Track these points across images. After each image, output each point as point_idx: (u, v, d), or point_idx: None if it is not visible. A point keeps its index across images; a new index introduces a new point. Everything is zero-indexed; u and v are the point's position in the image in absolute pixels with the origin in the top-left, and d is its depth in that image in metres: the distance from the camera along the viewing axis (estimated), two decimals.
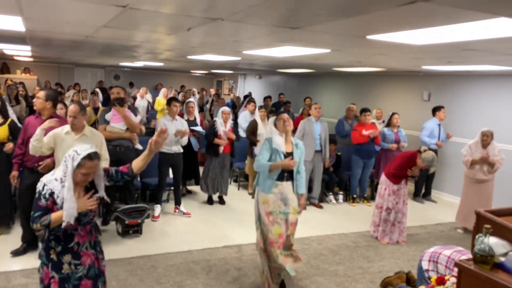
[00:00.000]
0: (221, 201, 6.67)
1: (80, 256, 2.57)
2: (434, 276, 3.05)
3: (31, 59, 13.69)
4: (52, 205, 2.44)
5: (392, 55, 5.32)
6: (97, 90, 10.48)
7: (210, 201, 6.62)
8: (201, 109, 11.55)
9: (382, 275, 4.37)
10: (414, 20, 2.98)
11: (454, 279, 2.70)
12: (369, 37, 3.82)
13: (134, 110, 5.54)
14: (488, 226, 2.13)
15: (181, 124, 5.88)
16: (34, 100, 4.42)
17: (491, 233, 2.13)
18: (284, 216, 3.77)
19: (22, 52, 10.25)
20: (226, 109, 6.54)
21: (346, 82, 10.95)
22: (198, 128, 6.61)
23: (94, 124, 6.98)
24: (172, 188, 6.12)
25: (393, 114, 7.14)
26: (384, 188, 5.35)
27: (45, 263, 2.55)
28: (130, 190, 5.63)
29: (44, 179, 2.50)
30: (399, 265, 4.71)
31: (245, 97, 12.42)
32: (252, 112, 7.96)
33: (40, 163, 4.10)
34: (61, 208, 2.42)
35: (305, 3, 2.69)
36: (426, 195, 7.75)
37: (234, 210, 6.42)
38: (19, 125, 4.85)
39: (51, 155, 4.06)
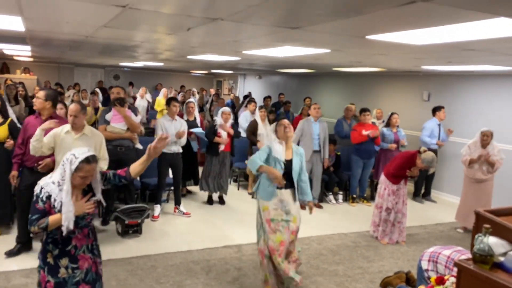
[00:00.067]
0: (221, 201, 6.67)
1: (77, 260, 2.56)
2: (433, 276, 3.05)
3: (31, 59, 13.70)
4: (50, 208, 2.44)
5: (392, 55, 5.33)
6: (97, 90, 10.49)
7: (210, 201, 6.62)
8: (201, 109, 11.56)
9: (381, 275, 4.37)
10: (414, 20, 2.98)
11: (453, 279, 2.70)
12: (369, 37, 3.82)
13: (134, 110, 5.55)
14: (487, 225, 2.13)
15: (180, 124, 5.88)
16: (34, 100, 4.43)
17: (490, 233, 2.13)
18: (286, 225, 3.74)
19: (22, 52, 10.25)
20: (226, 109, 6.52)
21: (346, 82, 10.95)
22: (198, 129, 6.59)
23: (94, 124, 6.98)
24: (172, 188, 6.12)
25: (392, 114, 7.14)
26: (383, 188, 5.36)
27: (41, 267, 2.54)
28: (130, 190, 5.64)
29: (41, 182, 2.50)
30: (399, 265, 4.71)
31: (245, 97, 12.42)
32: (253, 112, 7.97)
33: (40, 162, 4.11)
34: (59, 211, 2.42)
35: (305, 3, 2.70)
36: (426, 195, 7.75)
37: (234, 210, 6.42)
38: (19, 125, 4.85)
39: (51, 155, 4.06)
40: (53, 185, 2.46)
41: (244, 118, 8.23)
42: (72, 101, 8.84)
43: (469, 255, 2.26)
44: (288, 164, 3.78)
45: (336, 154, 7.31)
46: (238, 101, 12.17)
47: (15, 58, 13.40)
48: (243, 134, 7.69)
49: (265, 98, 10.85)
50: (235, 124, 7.50)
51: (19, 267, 4.06)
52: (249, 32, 4.13)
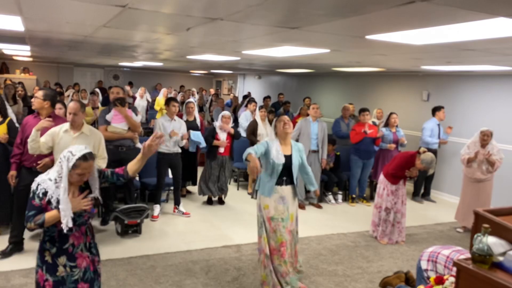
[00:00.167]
0: (221, 201, 6.67)
1: (75, 258, 2.57)
2: (433, 275, 3.05)
3: (31, 59, 13.69)
4: (46, 204, 2.45)
5: (391, 55, 5.33)
6: (97, 90, 10.48)
7: (209, 201, 6.62)
8: (200, 109, 11.56)
9: (381, 275, 4.37)
10: (413, 20, 2.98)
11: (452, 279, 2.71)
12: (368, 37, 3.82)
13: (135, 110, 5.56)
14: (486, 225, 2.14)
15: (180, 124, 5.88)
16: (32, 99, 4.43)
17: (489, 233, 2.13)
18: (287, 224, 3.74)
19: (21, 52, 10.24)
20: (226, 113, 6.47)
21: (346, 82, 10.96)
22: (197, 133, 6.52)
23: (93, 124, 6.97)
24: (172, 188, 6.12)
25: (391, 114, 7.15)
26: (382, 188, 5.36)
27: (39, 266, 2.54)
28: (130, 190, 5.64)
29: (38, 179, 2.51)
30: (398, 265, 4.71)
31: (245, 97, 12.43)
32: (253, 112, 7.96)
33: (38, 162, 4.11)
34: (55, 207, 2.43)
35: (304, 3, 2.70)
36: (425, 195, 7.75)
37: (234, 210, 6.42)
38: (17, 125, 4.85)
39: (50, 154, 4.06)
40: (50, 182, 2.47)
41: (245, 118, 8.23)
42: (72, 100, 8.82)
43: (469, 255, 2.26)
44: (288, 159, 3.77)
45: (335, 154, 7.31)
46: (237, 101, 12.17)
47: (15, 58, 13.40)
48: (243, 134, 7.69)
49: (264, 98, 10.86)
50: (235, 125, 7.51)
51: (18, 267, 4.06)
52: (248, 32, 4.13)
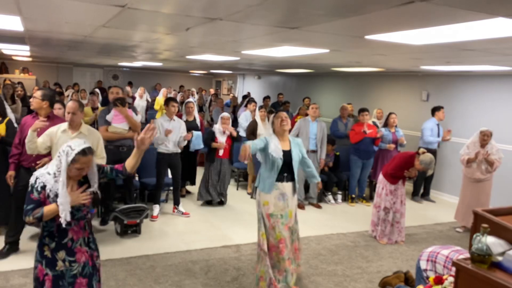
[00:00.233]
0: (220, 201, 6.66)
1: (74, 253, 2.58)
2: (432, 275, 3.06)
3: (30, 59, 13.69)
4: (45, 198, 2.46)
5: (390, 55, 5.33)
6: (97, 90, 10.47)
7: (209, 202, 6.61)
8: (200, 109, 11.56)
9: (380, 275, 4.37)
10: (412, 20, 2.98)
11: (452, 279, 2.71)
12: (367, 37, 3.82)
13: (134, 110, 5.57)
14: (485, 225, 2.14)
15: (179, 124, 5.87)
16: (31, 99, 4.41)
17: (488, 233, 2.14)
18: (286, 221, 3.73)
19: (20, 52, 10.24)
20: (226, 114, 6.45)
21: (345, 82, 10.96)
22: (199, 135, 6.52)
23: (93, 124, 6.96)
24: (171, 188, 6.12)
25: (390, 114, 7.15)
26: (381, 187, 5.37)
27: (39, 261, 2.56)
28: (129, 190, 5.65)
29: (37, 172, 2.52)
30: (398, 264, 4.72)
31: (244, 97, 12.43)
32: (253, 112, 7.96)
33: (37, 162, 4.10)
34: (53, 201, 2.44)
35: (304, 3, 2.70)
36: (425, 195, 7.76)
37: (233, 210, 6.42)
38: (16, 125, 4.84)
39: (49, 154, 4.06)
40: (49, 176, 2.48)
41: (245, 118, 8.23)
42: (71, 100, 8.80)
43: (468, 255, 2.26)
44: (287, 154, 3.76)
45: (335, 154, 7.31)
46: (236, 101, 12.17)
47: (14, 58, 13.39)
48: (243, 134, 7.69)
49: (264, 98, 10.87)
50: (235, 125, 7.50)
51: (17, 267, 4.05)
52: (248, 32, 4.13)
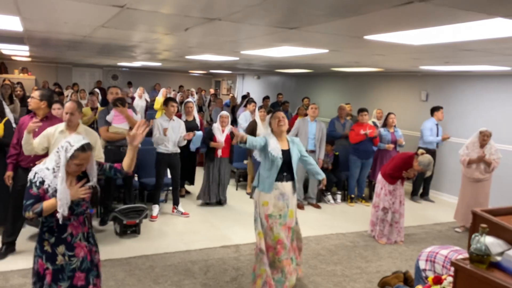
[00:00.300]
0: (219, 201, 6.65)
1: (73, 248, 2.60)
2: (431, 275, 3.06)
3: (29, 59, 13.68)
4: (44, 193, 2.47)
5: (389, 55, 5.33)
6: (97, 90, 10.47)
7: (207, 202, 6.59)
8: (199, 109, 11.55)
9: (379, 275, 4.37)
10: (411, 21, 2.99)
11: (450, 279, 2.71)
12: (366, 37, 3.83)
13: (134, 109, 5.57)
14: (484, 225, 2.14)
15: (178, 124, 5.87)
16: (29, 100, 4.40)
17: (487, 233, 2.14)
18: (285, 221, 3.71)
19: (20, 52, 10.23)
20: (225, 113, 6.46)
21: (344, 82, 10.97)
22: (200, 136, 6.51)
23: (92, 124, 6.96)
24: (170, 188, 6.12)
25: (388, 114, 7.15)
26: (380, 187, 5.38)
27: (39, 255, 2.58)
28: (129, 190, 5.65)
29: (35, 168, 2.54)
30: (397, 265, 4.72)
31: (243, 97, 12.43)
32: (253, 112, 7.96)
33: (36, 162, 4.09)
34: (52, 196, 2.46)
35: (303, 4, 2.70)
36: (424, 195, 7.76)
37: (232, 210, 6.42)
38: (14, 125, 4.83)
39: (46, 155, 4.03)
40: (47, 171, 2.49)
41: (244, 118, 8.23)
42: (70, 101, 8.79)
43: (467, 255, 2.27)
44: (286, 154, 3.75)
45: (334, 154, 7.31)
46: (235, 101, 12.17)
47: (13, 58, 13.38)
48: (237, 142, 7.66)
49: (264, 99, 10.87)
50: (234, 125, 7.49)
51: (17, 267, 4.06)
52: (247, 32, 4.13)
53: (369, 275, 4.42)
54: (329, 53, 5.47)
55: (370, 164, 7.09)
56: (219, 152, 6.26)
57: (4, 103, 5.07)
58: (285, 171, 3.76)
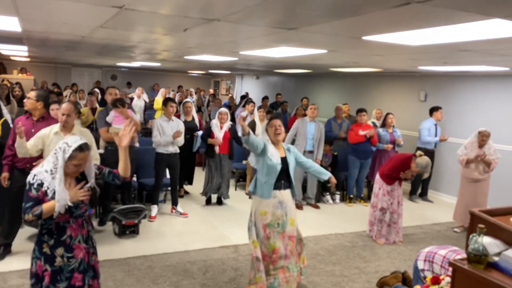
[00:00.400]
0: (219, 201, 6.66)
1: (72, 249, 2.61)
2: (429, 275, 3.06)
3: (28, 59, 13.66)
4: (43, 195, 2.47)
5: (388, 55, 5.34)
6: (97, 90, 10.46)
7: (208, 201, 6.61)
8: (198, 109, 11.55)
9: (378, 275, 4.38)
10: (409, 21, 2.99)
11: (449, 279, 2.72)
12: (364, 38, 3.83)
13: (133, 109, 5.58)
14: (482, 225, 2.15)
15: (177, 124, 5.87)
16: (25, 100, 4.32)
17: (485, 233, 2.14)
18: (283, 229, 3.61)
19: (19, 52, 10.23)
20: (223, 110, 6.47)
21: (343, 82, 10.98)
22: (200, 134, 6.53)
23: (91, 125, 6.95)
24: (169, 188, 6.12)
25: (387, 114, 7.16)
26: (378, 187, 5.39)
27: (37, 257, 2.58)
28: (128, 190, 5.65)
29: (34, 171, 2.54)
30: (396, 265, 4.73)
31: (242, 97, 12.43)
32: (251, 113, 7.96)
33: (34, 164, 4.07)
34: (52, 198, 2.46)
35: (301, 4, 2.71)
36: (423, 195, 7.78)
37: (231, 210, 6.42)
38: (11, 126, 4.81)
39: (41, 157, 3.98)
40: (46, 174, 2.49)
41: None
42: (69, 101, 8.79)
43: (465, 255, 2.27)
44: (284, 161, 3.70)
45: (333, 154, 7.32)
46: (233, 101, 12.17)
47: (12, 58, 13.37)
48: (240, 134, 7.67)
49: (263, 99, 10.87)
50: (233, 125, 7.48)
51: (15, 267, 4.06)
52: (246, 32, 4.14)
53: (368, 275, 4.42)
54: (328, 53, 5.47)
55: (369, 164, 7.10)
56: (217, 149, 6.24)
57: (1, 103, 5.05)
58: (283, 178, 3.69)
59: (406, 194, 7.55)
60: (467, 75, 7.62)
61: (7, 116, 4.97)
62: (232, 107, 11.46)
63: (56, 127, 3.99)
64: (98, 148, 5.40)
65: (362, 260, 4.81)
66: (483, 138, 5.73)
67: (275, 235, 3.59)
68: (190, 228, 5.54)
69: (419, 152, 5.12)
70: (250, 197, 7.03)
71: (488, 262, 2.14)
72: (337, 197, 7.24)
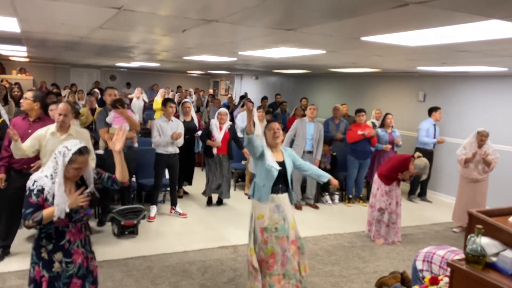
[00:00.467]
0: (218, 201, 6.66)
1: (71, 254, 2.59)
2: (428, 276, 3.07)
3: (27, 60, 13.66)
4: (43, 201, 2.46)
5: (386, 56, 5.35)
6: (97, 90, 10.46)
7: (209, 202, 6.59)
8: (198, 110, 11.55)
9: (377, 275, 4.39)
10: (407, 22, 3.00)
11: (447, 279, 2.72)
12: (363, 38, 3.84)
13: (132, 109, 5.58)
14: (480, 226, 2.15)
15: (177, 125, 5.87)
16: (22, 100, 4.29)
17: (483, 234, 2.15)
18: (283, 234, 3.55)
19: (17, 53, 10.22)
20: (223, 110, 6.46)
21: (342, 82, 10.98)
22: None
23: (90, 125, 6.95)
24: (168, 189, 6.12)
25: (386, 114, 7.17)
26: (376, 188, 5.39)
27: (35, 262, 2.56)
28: (127, 190, 5.64)
29: (34, 176, 2.52)
30: (394, 265, 4.73)
31: (241, 97, 12.44)
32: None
33: (32, 165, 4.07)
34: (52, 204, 2.44)
35: (299, 5, 2.71)
36: (422, 195, 7.79)
37: (230, 211, 6.43)
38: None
39: (38, 158, 3.97)
40: (46, 179, 2.48)
41: (241, 119, 8.23)
42: (67, 101, 8.78)
43: (463, 255, 2.27)
44: (282, 165, 3.64)
45: (331, 154, 7.32)
46: (233, 101, 12.17)
47: (11, 58, 13.36)
48: (240, 135, 7.68)
49: (262, 99, 10.87)
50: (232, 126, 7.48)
51: (14, 268, 4.06)
52: (244, 33, 4.14)
53: (367, 275, 4.43)
54: (327, 54, 5.48)
55: (368, 165, 7.10)
56: (215, 150, 6.23)
57: (0, 104, 5.03)
58: (281, 183, 3.64)
59: (405, 194, 7.56)
60: (466, 76, 7.63)
61: (4, 116, 4.95)
62: (231, 107, 11.46)
63: (52, 127, 3.95)
64: (98, 148, 5.41)
65: (361, 261, 4.81)
66: (481, 138, 5.74)
67: (273, 240, 3.53)
68: (189, 228, 5.55)
69: (417, 154, 5.12)
70: (249, 198, 7.04)
71: (486, 262, 2.15)
72: (336, 197, 7.25)
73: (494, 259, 2.15)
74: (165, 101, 5.94)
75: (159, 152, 5.73)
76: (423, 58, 5.32)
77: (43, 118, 4.29)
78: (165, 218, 5.85)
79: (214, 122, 6.31)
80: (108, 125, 5.18)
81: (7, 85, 8.71)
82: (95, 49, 7.44)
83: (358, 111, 6.98)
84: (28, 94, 4.22)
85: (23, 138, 3.87)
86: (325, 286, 4.13)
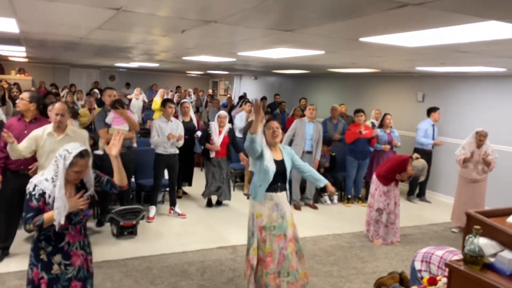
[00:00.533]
0: (218, 202, 6.65)
1: (70, 256, 2.59)
2: (426, 276, 3.07)
3: (26, 60, 13.64)
4: (44, 205, 2.45)
5: (385, 56, 5.36)
6: (96, 91, 10.45)
7: (209, 204, 6.58)
8: (197, 110, 11.56)
9: (376, 275, 4.39)
10: (406, 23, 3.01)
11: (445, 280, 2.72)
12: (362, 39, 3.85)
13: (131, 110, 5.58)
14: (477, 227, 2.16)
15: (176, 125, 5.87)
16: (17, 101, 4.26)
17: (481, 234, 2.16)
18: (280, 232, 3.55)
19: (17, 53, 10.22)
20: (223, 113, 6.43)
21: (341, 83, 10.99)
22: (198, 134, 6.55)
23: (90, 126, 6.95)
24: (167, 189, 6.12)
25: (385, 114, 7.18)
26: (374, 188, 5.40)
27: (34, 264, 2.55)
28: (127, 191, 5.64)
29: (34, 180, 2.51)
30: (393, 265, 4.74)
31: (240, 97, 12.44)
32: (249, 113, 7.97)
33: (29, 167, 4.05)
34: (53, 207, 2.44)
35: (298, 6, 2.72)
36: (421, 195, 7.79)
37: (229, 211, 6.43)
38: None
39: (35, 158, 3.95)
40: (47, 183, 2.47)
41: (240, 119, 8.25)
42: (66, 102, 8.78)
43: (462, 256, 2.28)
44: (280, 164, 3.65)
45: (330, 154, 7.33)
46: (231, 102, 12.18)
47: (10, 58, 13.35)
48: (239, 135, 7.69)
49: (261, 99, 10.88)
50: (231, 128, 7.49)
51: (13, 269, 4.05)
52: (243, 34, 4.14)
53: (366, 275, 4.44)
54: (325, 54, 5.49)
55: (367, 165, 7.11)
56: (212, 154, 6.21)
57: None
58: (279, 181, 3.64)
59: (404, 194, 7.57)
60: (465, 76, 7.65)
61: (2, 117, 4.93)
62: (229, 106, 11.47)
63: (49, 127, 3.92)
64: (97, 149, 5.41)
65: (360, 261, 4.82)
66: (480, 138, 5.75)
67: (271, 238, 3.54)
68: (188, 229, 5.55)
69: (415, 155, 5.12)
70: (248, 198, 7.04)
71: (484, 263, 2.16)
72: (335, 197, 7.25)
73: (492, 259, 2.16)
74: (164, 102, 5.94)
75: (159, 152, 5.73)
76: (422, 58, 5.33)
77: (39, 119, 4.25)
78: (164, 219, 5.85)
79: (214, 125, 6.30)
80: (108, 126, 5.18)
81: (5, 86, 8.69)
82: (94, 50, 7.44)
83: (357, 111, 6.98)
84: (24, 95, 4.19)
85: (19, 139, 3.84)
86: (324, 286, 4.13)
